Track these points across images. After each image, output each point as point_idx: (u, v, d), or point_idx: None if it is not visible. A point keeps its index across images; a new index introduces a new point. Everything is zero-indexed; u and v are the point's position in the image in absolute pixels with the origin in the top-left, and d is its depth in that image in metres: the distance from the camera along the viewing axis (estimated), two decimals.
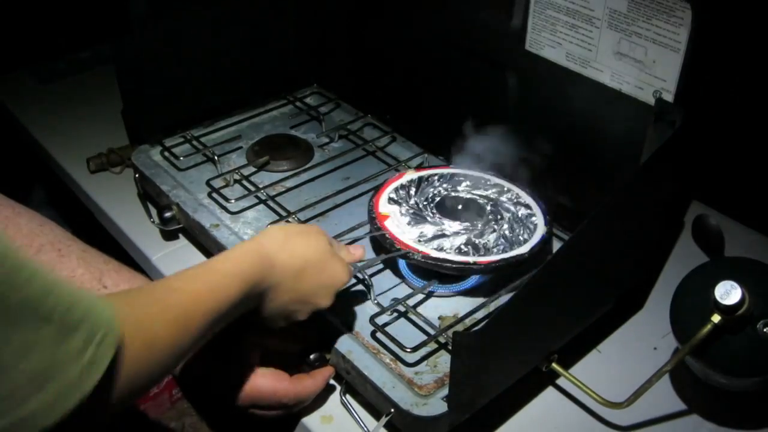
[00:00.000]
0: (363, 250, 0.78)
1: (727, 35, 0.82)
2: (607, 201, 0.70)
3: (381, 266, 0.90)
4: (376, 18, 1.12)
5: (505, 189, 0.96)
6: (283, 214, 0.95)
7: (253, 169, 1.06)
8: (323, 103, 1.22)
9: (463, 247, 0.86)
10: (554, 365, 0.77)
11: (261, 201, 1.00)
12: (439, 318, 0.83)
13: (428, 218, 0.90)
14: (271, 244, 0.68)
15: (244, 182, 1.03)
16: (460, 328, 0.79)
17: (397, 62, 1.11)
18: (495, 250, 0.86)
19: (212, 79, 1.12)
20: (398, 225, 0.89)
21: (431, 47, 1.04)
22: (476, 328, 0.67)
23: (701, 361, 0.73)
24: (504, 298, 0.82)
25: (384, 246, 0.87)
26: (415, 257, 0.84)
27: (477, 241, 0.87)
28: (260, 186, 1.01)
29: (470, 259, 0.84)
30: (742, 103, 0.99)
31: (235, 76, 1.15)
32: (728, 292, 0.67)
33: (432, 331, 0.79)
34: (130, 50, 1.02)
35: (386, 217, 0.89)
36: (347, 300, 0.83)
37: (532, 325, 0.72)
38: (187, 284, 0.60)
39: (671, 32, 0.73)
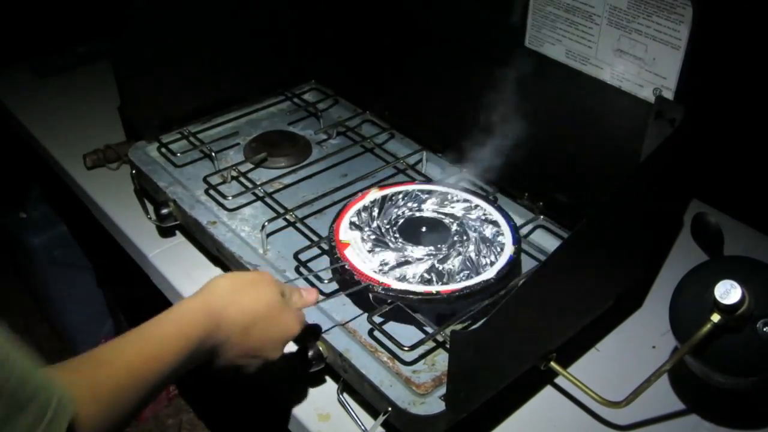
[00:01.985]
0: (316, 294, 0.76)
1: (728, 33, 0.81)
2: (606, 199, 0.70)
3: None
4: (374, 14, 1.11)
5: (473, 205, 0.93)
6: (281, 211, 0.95)
7: (251, 166, 1.06)
8: (321, 100, 1.22)
9: (425, 274, 0.83)
10: (552, 364, 0.76)
11: (258, 198, 0.99)
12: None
13: (391, 244, 0.87)
14: (218, 299, 0.66)
15: (242, 179, 1.02)
16: (458, 326, 0.79)
17: (395, 59, 1.11)
18: (459, 276, 0.83)
19: (210, 75, 1.12)
20: (359, 253, 0.85)
21: (430, 43, 1.03)
22: (474, 327, 0.66)
23: (700, 360, 0.72)
24: (502, 297, 0.82)
25: (345, 276, 0.83)
26: (377, 289, 0.80)
27: (441, 267, 0.84)
28: (257, 183, 1.01)
29: (433, 288, 0.80)
30: (743, 101, 0.99)
31: (232, 72, 1.15)
32: (728, 292, 0.67)
33: (430, 330, 0.78)
34: (127, 45, 1.01)
35: (346, 245, 0.86)
36: (345, 298, 0.83)
37: (530, 323, 0.72)
38: (117, 357, 0.57)
39: (672, 29, 0.73)
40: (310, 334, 0.77)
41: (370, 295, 0.80)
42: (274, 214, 0.95)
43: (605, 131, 0.85)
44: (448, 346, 0.77)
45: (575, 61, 0.84)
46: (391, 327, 0.79)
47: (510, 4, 0.88)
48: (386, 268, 0.83)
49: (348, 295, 0.82)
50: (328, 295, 0.83)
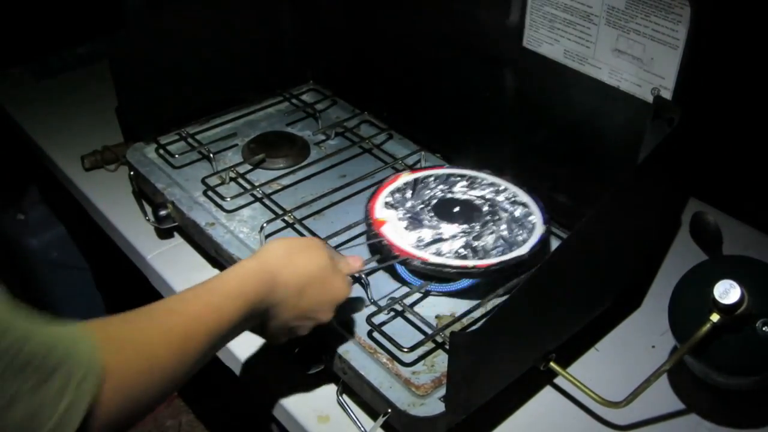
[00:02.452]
0: (362, 261, 0.78)
1: (726, 32, 0.81)
2: (604, 199, 0.70)
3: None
4: (372, 15, 1.11)
5: (502, 188, 0.95)
6: (279, 212, 0.95)
7: (249, 167, 1.06)
8: (319, 100, 1.21)
9: (461, 250, 0.85)
10: (552, 364, 0.76)
11: (257, 199, 0.99)
12: (436, 317, 0.82)
13: (425, 222, 0.90)
14: (274, 261, 0.68)
15: (240, 180, 1.02)
16: (457, 327, 0.79)
17: (394, 59, 1.11)
18: (494, 252, 0.85)
19: (207, 75, 1.11)
20: (396, 230, 0.88)
21: (428, 44, 1.03)
22: (473, 328, 0.66)
23: (700, 360, 0.72)
24: (501, 298, 0.82)
25: (382, 252, 0.86)
26: (414, 263, 0.84)
27: (475, 244, 0.86)
28: (256, 184, 1.00)
29: (469, 263, 0.83)
30: (741, 100, 0.99)
31: (230, 72, 1.15)
32: (727, 291, 0.67)
33: (429, 331, 0.78)
34: (124, 46, 1.01)
35: (383, 222, 0.89)
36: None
37: (529, 324, 0.71)
38: (188, 306, 0.60)
39: (670, 29, 0.73)
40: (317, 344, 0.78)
41: (400, 270, 0.84)
42: (273, 216, 0.94)
43: (603, 131, 0.85)
44: (447, 347, 0.77)
45: (573, 61, 0.84)
46: (390, 328, 0.79)
47: (508, 5, 0.87)
48: (422, 245, 0.86)
49: (385, 268, 0.86)
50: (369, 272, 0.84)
